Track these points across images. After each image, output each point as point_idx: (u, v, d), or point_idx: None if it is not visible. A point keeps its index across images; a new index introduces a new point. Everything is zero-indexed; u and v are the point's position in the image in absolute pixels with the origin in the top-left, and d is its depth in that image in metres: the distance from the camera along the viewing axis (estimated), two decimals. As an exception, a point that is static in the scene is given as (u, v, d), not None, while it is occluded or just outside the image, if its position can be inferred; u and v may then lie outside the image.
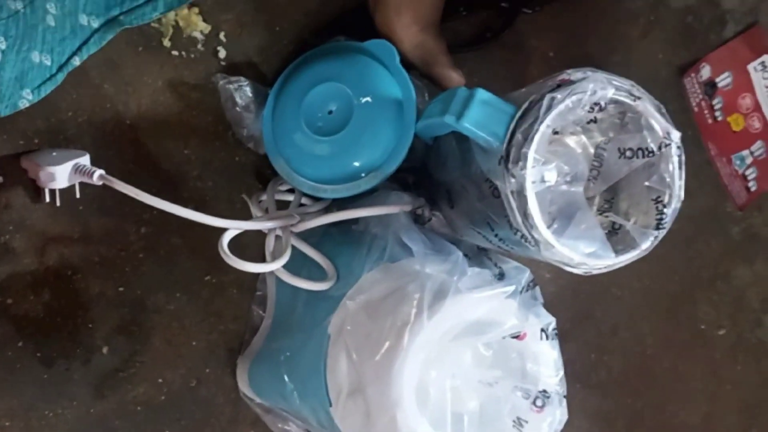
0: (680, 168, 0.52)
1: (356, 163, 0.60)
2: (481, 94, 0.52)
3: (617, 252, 0.52)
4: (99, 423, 0.65)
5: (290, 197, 0.64)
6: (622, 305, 0.75)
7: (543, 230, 0.50)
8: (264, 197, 0.65)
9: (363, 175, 0.60)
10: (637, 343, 0.76)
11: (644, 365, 0.76)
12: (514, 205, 0.50)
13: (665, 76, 0.77)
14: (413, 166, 0.67)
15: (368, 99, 0.59)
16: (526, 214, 0.50)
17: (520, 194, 0.50)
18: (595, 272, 0.52)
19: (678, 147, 0.52)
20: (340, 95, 0.60)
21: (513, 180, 0.50)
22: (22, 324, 0.63)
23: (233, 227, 0.58)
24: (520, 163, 0.49)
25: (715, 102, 0.78)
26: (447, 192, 0.61)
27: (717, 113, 0.78)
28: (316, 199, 0.64)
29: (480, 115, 0.51)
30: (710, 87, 0.78)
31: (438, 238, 0.56)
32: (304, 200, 0.63)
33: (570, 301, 0.74)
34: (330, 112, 0.60)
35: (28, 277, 0.63)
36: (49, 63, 0.58)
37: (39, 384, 0.63)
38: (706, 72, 0.78)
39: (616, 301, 0.75)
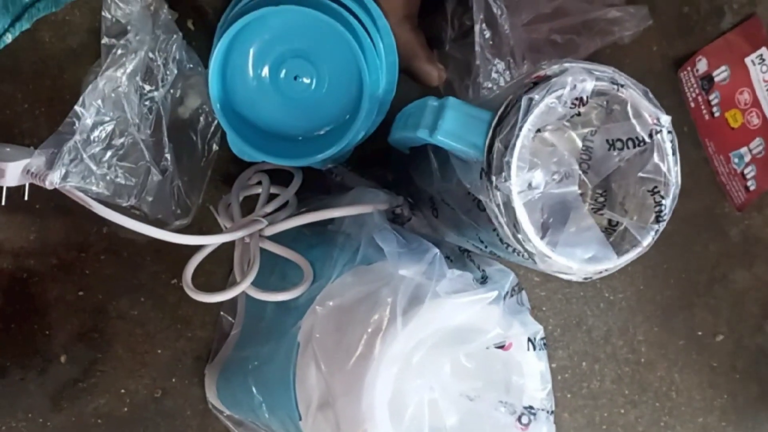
0: (674, 154, 0.48)
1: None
2: (452, 102, 0.48)
3: (618, 252, 0.48)
4: (57, 437, 0.61)
5: (259, 189, 0.60)
6: (615, 311, 0.72)
7: (536, 242, 0.46)
8: (230, 201, 0.61)
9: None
10: (630, 350, 0.72)
11: (638, 374, 0.72)
12: (501, 219, 0.46)
13: (660, 70, 0.73)
14: (394, 166, 0.64)
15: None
16: (516, 227, 0.46)
17: (507, 206, 0.46)
18: (595, 278, 0.48)
19: (669, 132, 0.48)
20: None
21: (498, 193, 0.46)
22: (-27, 331, 0.59)
23: (196, 243, 0.54)
24: (504, 174, 0.45)
25: (712, 97, 0.75)
26: (430, 200, 0.57)
27: (714, 109, 0.75)
28: (285, 185, 0.60)
29: (454, 126, 0.47)
30: (707, 81, 0.75)
31: (415, 237, 0.52)
32: (273, 189, 0.59)
33: (560, 306, 0.71)
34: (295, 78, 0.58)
35: (-20, 280, 0.59)
36: (-21, 41, 0.54)
37: (-9, 395, 0.60)
38: (702, 65, 0.74)
39: (609, 306, 0.72)
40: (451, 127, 0.48)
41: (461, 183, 0.50)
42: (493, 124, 0.47)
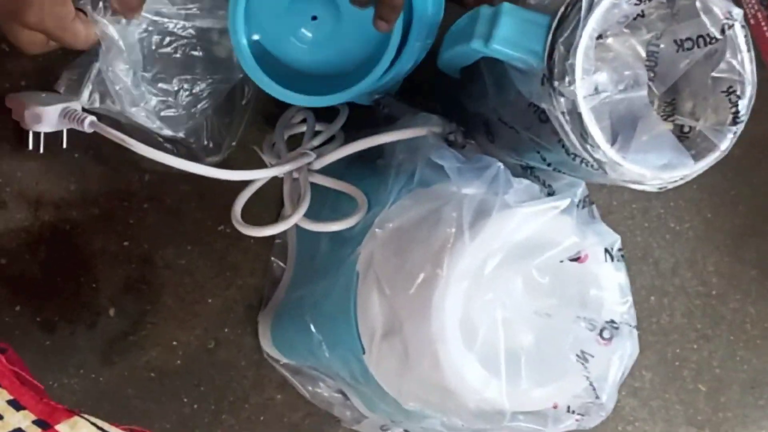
0: (749, 50, 0.46)
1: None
2: (507, 8, 0.45)
3: (694, 157, 0.45)
4: (110, 392, 0.59)
5: (304, 128, 0.58)
6: (682, 241, 0.68)
7: (606, 150, 0.43)
8: (275, 141, 0.58)
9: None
10: (700, 282, 0.69)
11: (709, 307, 0.69)
12: (567, 127, 0.44)
13: (717, -14, 0.69)
14: (442, 95, 0.61)
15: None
16: (583, 135, 0.43)
17: (573, 113, 0.43)
18: (670, 186, 0.45)
19: (743, 26, 0.45)
20: None
21: (562, 99, 0.43)
22: (18, 286, 0.58)
23: (244, 178, 0.52)
24: (567, 78, 0.43)
25: (772, 13, 0.71)
26: (484, 124, 0.54)
27: (776, 25, 0.71)
28: (330, 122, 0.57)
29: (511, 33, 0.45)
30: (766, -3, 0.71)
31: (474, 154, 0.49)
32: (318, 127, 0.57)
33: (624, 238, 0.65)
34: (314, 18, 0.54)
35: (23, 234, 0.57)
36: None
37: (41, 352, 0.58)
38: (761, -20, 0.70)
39: (676, 237, 0.68)
40: (507, 34, 0.45)
41: (520, 95, 0.48)
42: (553, 28, 0.44)
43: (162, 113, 0.52)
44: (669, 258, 0.68)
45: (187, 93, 0.53)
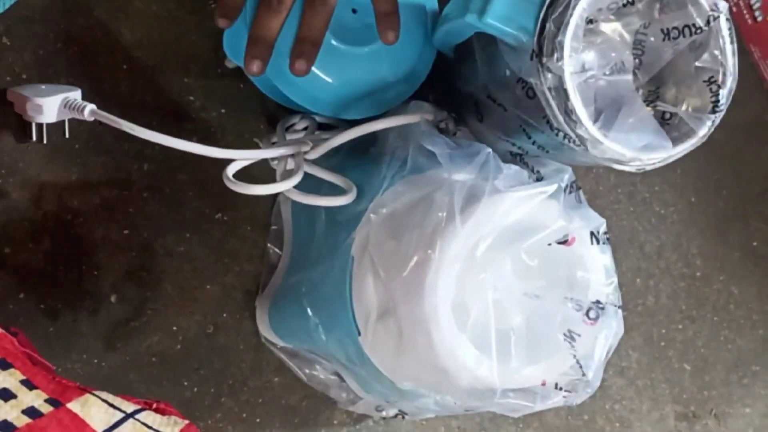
0: (732, 42, 0.47)
1: (386, 77, 0.54)
2: None
3: (673, 142, 0.47)
4: (112, 377, 0.60)
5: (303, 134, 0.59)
6: (667, 225, 0.70)
7: (589, 126, 0.45)
8: (275, 139, 0.59)
9: (389, 90, 0.54)
10: (685, 264, 0.70)
11: (694, 288, 0.71)
12: (553, 102, 0.46)
13: (699, -25, 0.70)
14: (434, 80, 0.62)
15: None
16: (567, 111, 0.45)
17: (559, 89, 0.45)
18: (649, 168, 0.47)
19: (727, 19, 0.47)
20: None
21: (549, 75, 0.45)
22: (22, 274, 0.58)
23: (240, 157, 0.53)
24: (556, 55, 0.45)
25: (753, 1, 0.72)
26: (474, 104, 0.56)
27: (756, 13, 0.72)
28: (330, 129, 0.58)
29: (505, 9, 0.46)
30: (748, -15, 0.72)
31: (465, 140, 0.51)
32: (318, 133, 0.58)
33: (610, 222, 0.69)
34: (354, 11, 0.53)
35: (26, 223, 0.58)
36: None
37: (44, 338, 0.59)
38: (742, -31, 0.72)
39: (661, 221, 0.70)
40: (501, 10, 0.46)
41: (510, 72, 0.49)
42: (546, 5, 0.46)
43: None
44: (654, 241, 0.70)
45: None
